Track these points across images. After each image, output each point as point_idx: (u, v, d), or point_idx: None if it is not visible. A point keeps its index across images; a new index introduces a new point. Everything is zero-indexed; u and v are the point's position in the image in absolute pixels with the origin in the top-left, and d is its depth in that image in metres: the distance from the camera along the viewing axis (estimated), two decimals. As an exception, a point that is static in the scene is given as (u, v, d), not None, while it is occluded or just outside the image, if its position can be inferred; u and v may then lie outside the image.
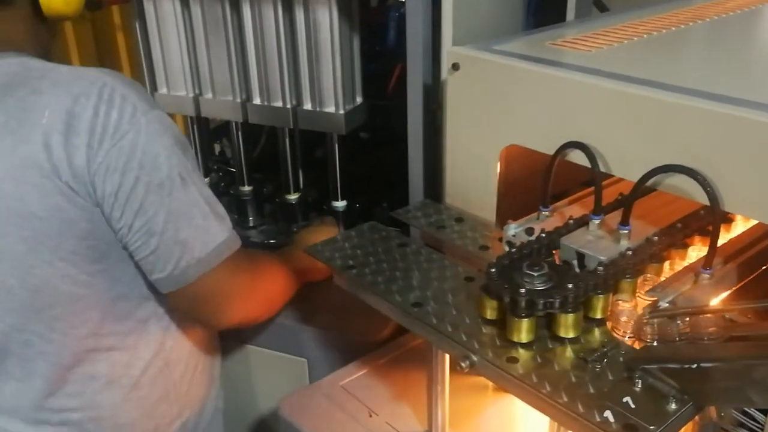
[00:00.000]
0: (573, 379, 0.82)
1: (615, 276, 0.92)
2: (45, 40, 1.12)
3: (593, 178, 0.98)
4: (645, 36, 1.20)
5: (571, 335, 0.88)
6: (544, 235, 0.98)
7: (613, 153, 0.98)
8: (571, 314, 0.87)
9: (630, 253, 0.93)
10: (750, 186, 0.85)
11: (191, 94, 1.64)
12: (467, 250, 1.09)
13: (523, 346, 0.87)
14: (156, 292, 1.10)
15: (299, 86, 1.52)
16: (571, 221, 1.01)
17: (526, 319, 0.86)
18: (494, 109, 1.10)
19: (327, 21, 1.43)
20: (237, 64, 1.56)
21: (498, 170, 1.13)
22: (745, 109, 0.85)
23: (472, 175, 1.17)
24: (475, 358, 0.87)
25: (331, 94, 1.49)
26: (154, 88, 1.68)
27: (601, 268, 0.90)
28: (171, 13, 1.57)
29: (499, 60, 1.09)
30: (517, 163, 1.14)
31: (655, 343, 0.87)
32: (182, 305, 1.12)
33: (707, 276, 0.92)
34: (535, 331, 0.87)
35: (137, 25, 1.66)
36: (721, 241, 1.04)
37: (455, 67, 1.14)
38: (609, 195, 1.13)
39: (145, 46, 1.67)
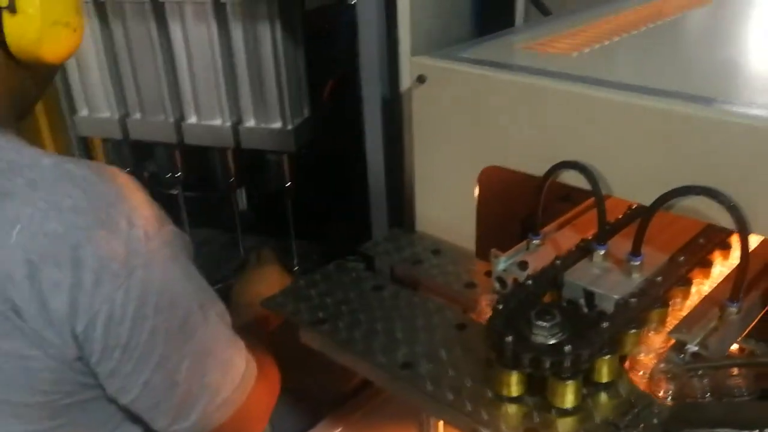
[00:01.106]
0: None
1: (622, 329, 0.77)
2: (29, 88, 0.82)
3: (596, 203, 0.83)
4: (624, 35, 1.05)
5: (569, 405, 0.72)
6: (542, 271, 0.83)
7: (616, 173, 0.82)
8: (570, 381, 0.72)
9: (634, 300, 0.78)
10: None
11: (116, 116, 1.42)
12: (451, 288, 0.93)
13: (538, 410, 0.72)
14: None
15: (239, 101, 1.33)
16: (572, 251, 0.86)
17: (516, 374, 0.71)
18: (470, 126, 0.94)
19: (267, 29, 1.25)
20: (168, 80, 1.35)
21: (476, 194, 0.97)
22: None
23: (447, 201, 1.00)
24: (486, 432, 0.71)
25: (277, 108, 1.31)
26: (72, 110, 1.46)
27: (606, 324, 0.75)
28: (87, 27, 1.35)
29: (474, 70, 0.92)
30: (497, 186, 0.98)
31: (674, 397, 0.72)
32: None
33: (735, 309, 0.78)
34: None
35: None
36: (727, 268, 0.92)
37: (421, 79, 0.97)
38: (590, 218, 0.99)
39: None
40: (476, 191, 0.97)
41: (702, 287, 0.88)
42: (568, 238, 0.94)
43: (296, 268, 1.46)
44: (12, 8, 0.72)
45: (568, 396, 0.71)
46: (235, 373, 0.82)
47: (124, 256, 0.69)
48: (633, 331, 0.78)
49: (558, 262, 0.84)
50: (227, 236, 1.59)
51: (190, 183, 1.50)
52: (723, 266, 0.91)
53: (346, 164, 1.44)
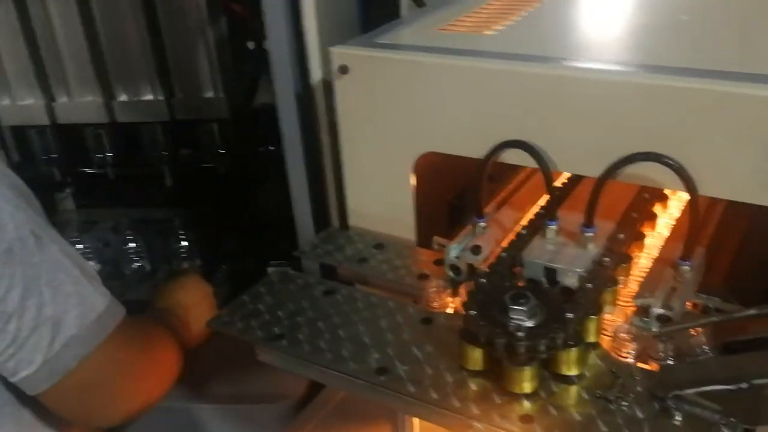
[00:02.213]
0: (604, 428, 0.65)
1: (601, 289, 0.76)
2: None
3: (545, 180, 0.80)
4: (529, 10, 1.04)
5: (575, 372, 0.71)
6: (504, 254, 0.80)
7: (558, 148, 0.80)
8: (575, 348, 0.70)
9: (608, 259, 0.78)
10: (723, 164, 0.73)
11: (42, 101, 1.35)
12: (404, 282, 0.88)
13: (528, 397, 0.69)
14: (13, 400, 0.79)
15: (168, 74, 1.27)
16: (523, 231, 0.84)
17: (528, 367, 0.68)
18: (401, 114, 0.89)
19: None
20: (92, 59, 1.30)
21: (413, 183, 0.93)
22: (703, 80, 0.72)
23: (382, 193, 0.95)
24: (481, 427, 0.67)
25: (208, 77, 1.28)
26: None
27: (590, 284, 0.74)
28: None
29: (402, 56, 0.87)
30: (428, 172, 0.94)
31: (669, 361, 0.72)
32: (61, 405, 0.80)
33: (688, 268, 0.79)
34: (538, 376, 0.69)
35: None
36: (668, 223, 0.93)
37: (343, 69, 0.91)
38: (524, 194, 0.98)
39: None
40: (413, 180, 0.92)
41: (652, 239, 0.89)
42: (509, 217, 0.92)
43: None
44: None
45: (527, 383, 0.69)
46: (86, 309, 0.76)
47: None
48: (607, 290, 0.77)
49: (513, 243, 0.82)
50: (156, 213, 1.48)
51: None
52: (664, 216, 0.92)
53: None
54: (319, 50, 1.02)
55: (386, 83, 0.89)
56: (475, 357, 0.71)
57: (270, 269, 1.16)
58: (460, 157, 0.87)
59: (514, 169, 1.04)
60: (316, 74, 1.03)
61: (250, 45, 1.42)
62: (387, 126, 0.91)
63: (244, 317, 0.83)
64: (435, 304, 0.84)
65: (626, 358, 0.73)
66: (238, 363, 0.96)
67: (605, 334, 0.76)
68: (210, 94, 1.31)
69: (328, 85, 1.01)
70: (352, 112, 0.93)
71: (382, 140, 0.92)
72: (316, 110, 1.05)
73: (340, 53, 0.91)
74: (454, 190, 1.08)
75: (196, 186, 1.42)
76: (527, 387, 0.69)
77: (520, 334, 0.67)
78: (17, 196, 0.76)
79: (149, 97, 1.32)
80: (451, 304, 0.83)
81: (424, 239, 0.96)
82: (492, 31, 0.95)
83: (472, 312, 0.70)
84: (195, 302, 1.01)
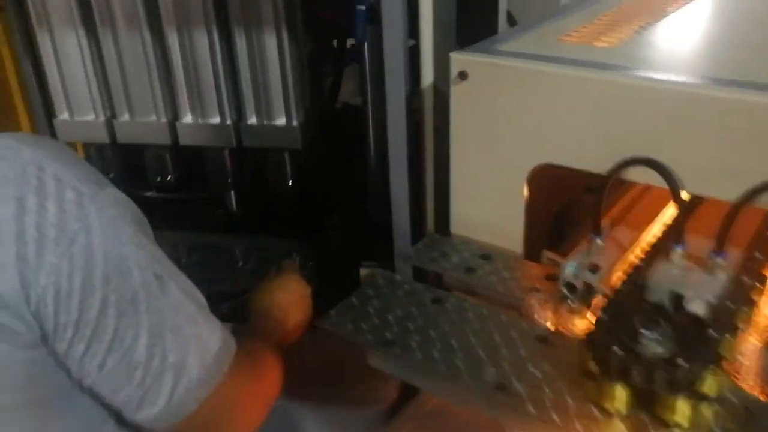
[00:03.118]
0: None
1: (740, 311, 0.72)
2: None
3: (676, 201, 0.76)
4: (651, 23, 0.99)
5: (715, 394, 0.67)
6: (629, 276, 0.77)
7: (688, 168, 0.77)
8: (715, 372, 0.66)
9: (746, 278, 0.74)
10: None
11: (102, 118, 1.27)
12: (514, 296, 0.85)
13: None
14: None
15: (240, 97, 1.21)
16: (648, 251, 0.80)
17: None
18: (520, 124, 0.86)
19: (271, 16, 1.12)
20: (160, 77, 1.21)
21: (525, 194, 0.90)
22: None
23: (491, 202, 0.92)
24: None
25: (281, 104, 1.19)
26: (51, 113, 1.30)
27: (728, 306, 0.70)
28: (68, 20, 1.20)
29: (526, 65, 0.84)
30: (546, 185, 0.91)
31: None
32: None
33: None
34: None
35: (19, 38, 1.27)
36: None
37: (462, 75, 0.88)
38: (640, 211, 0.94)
39: (34, 62, 1.29)
40: (525, 191, 0.89)
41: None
42: (626, 236, 0.89)
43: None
44: None
45: (683, 410, 0.65)
46: (206, 351, 0.72)
47: (60, 220, 0.61)
48: (728, 336, 0.72)
49: (640, 264, 0.78)
50: (217, 239, 1.45)
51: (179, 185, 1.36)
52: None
53: (346, 163, 1.35)
54: (433, 55, 0.99)
55: (506, 91, 0.86)
56: (617, 395, 0.67)
57: (368, 271, 1.15)
58: (568, 169, 0.84)
59: (620, 184, 1.00)
60: (426, 79, 1.01)
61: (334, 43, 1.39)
62: (503, 135, 0.88)
63: (354, 319, 0.82)
64: (548, 321, 0.81)
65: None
66: (330, 364, 0.94)
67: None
68: (282, 121, 1.21)
69: (437, 91, 0.99)
70: (467, 118, 0.90)
71: (497, 149, 0.89)
72: (422, 115, 1.03)
73: (460, 59, 0.88)
74: (558, 202, 1.05)
75: (260, 212, 1.35)
76: (680, 416, 0.65)
77: (663, 363, 0.64)
78: (137, 231, 0.69)
79: (216, 120, 1.22)
80: (570, 324, 0.80)
81: (532, 252, 0.93)
82: (614, 43, 0.91)
83: (601, 336, 0.67)
84: (293, 302, 0.99)
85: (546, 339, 0.78)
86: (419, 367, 0.75)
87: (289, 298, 0.98)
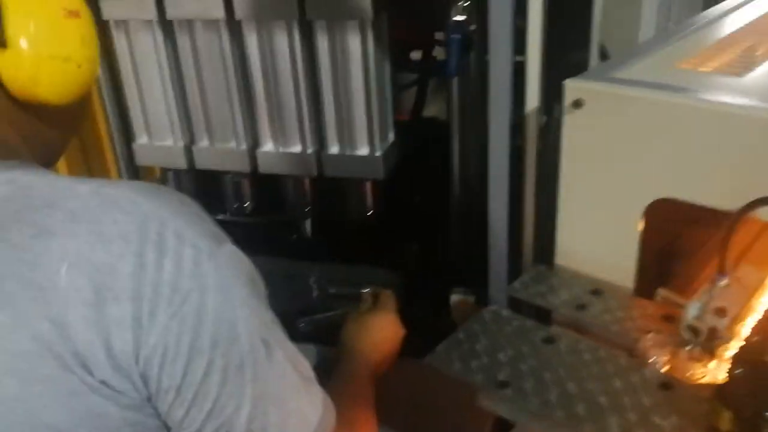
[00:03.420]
0: None
1: None
2: (43, 131, 0.68)
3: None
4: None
5: None
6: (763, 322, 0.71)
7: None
8: None
9: None
10: None
11: (181, 143, 1.26)
12: (630, 337, 0.80)
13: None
14: None
15: (322, 126, 1.18)
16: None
17: None
18: (639, 155, 0.81)
19: (357, 46, 1.10)
20: (241, 104, 1.19)
21: (641, 228, 0.85)
22: None
23: (602, 235, 0.88)
24: None
25: (364, 133, 1.16)
26: (130, 138, 1.29)
27: None
28: (150, 44, 1.19)
29: (648, 95, 0.80)
30: (654, 219, 0.86)
31: None
32: None
33: None
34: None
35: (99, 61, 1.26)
36: None
37: (577, 104, 0.84)
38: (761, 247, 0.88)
39: (114, 85, 1.28)
40: (640, 226, 0.85)
41: None
42: (750, 276, 0.83)
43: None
44: (2, 42, 0.60)
45: None
46: (306, 425, 0.66)
47: (175, 279, 0.57)
48: None
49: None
50: (288, 265, 1.43)
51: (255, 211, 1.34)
52: None
53: (429, 191, 1.32)
54: (539, 82, 0.96)
55: (624, 121, 0.82)
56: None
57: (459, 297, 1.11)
58: (678, 204, 0.80)
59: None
60: (531, 104, 0.97)
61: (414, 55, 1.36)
62: (620, 166, 0.84)
63: (462, 357, 0.78)
64: (666, 367, 0.76)
65: None
66: (417, 394, 0.90)
67: None
68: (365, 151, 1.17)
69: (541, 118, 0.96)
70: (580, 148, 0.86)
71: (612, 180, 0.85)
72: (525, 143, 0.99)
73: (575, 87, 0.84)
74: (663, 237, 1.00)
75: (338, 240, 1.31)
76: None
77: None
78: (250, 293, 0.63)
79: (297, 149, 1.20)
80: (691, 371, 0.75)
81: (644, 289, 0.88)
82: (738, 71, 0.86)
83: (739, 393, 0.62)
84: (391, 343, 0.92)
85: (670, 386, 0.72)
86: (536, 413, 0.70)
87: (388, 337, 0.92)
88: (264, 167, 1.22)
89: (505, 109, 0.95)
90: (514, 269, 1.04)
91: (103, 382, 0.56)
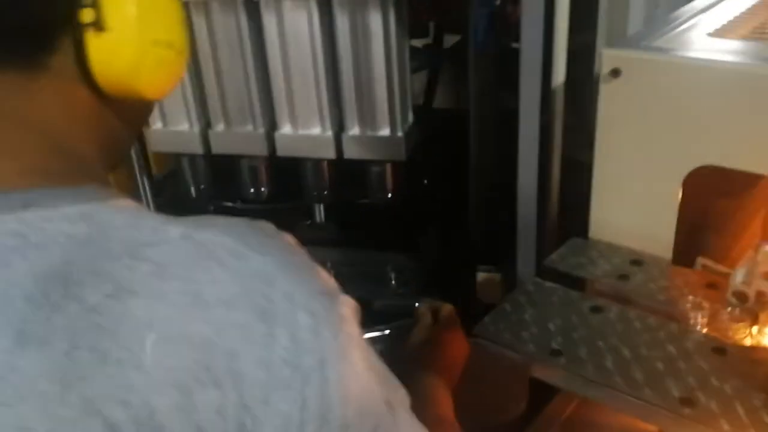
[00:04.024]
0: None
1: None
2: (118, 133, 0.58)
3: None
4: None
5: None
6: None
7: None
8: None
9: None
10: None
11: (197, 128, 1.24)
12: (676, 306, 0.80)
13: None
14: None
15: (342, 107, 1.17)
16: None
17: None
18: (679, 123, 0.81)
19: (379, 23, 1.09)
20: (258, 86, 1.18)
21: (679, 197, 0.85)
22: None
23: (640, 205, 0.88)
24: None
25: (386, 114, 1.15)
26: (142, 124, 1.27)
27: None
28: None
29: (690, 61, 0.80)
30: (701, 188, 0.86)
31: None
32: None
33: None
34: None
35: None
36: None
37: (615, 73, 0.84)
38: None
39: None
40: (680, 195, 0.85)
41: None
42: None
43: (393, 282, 1.31)
44: (99, 25, 0.50)
45: None
46: None
47: (292, 355, 0.44)
48: None
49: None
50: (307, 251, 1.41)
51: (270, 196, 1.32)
52: None
53: (447, 172, 1.31)
54: (566, 51, 0.96)
55: (664, 88, 0.82)
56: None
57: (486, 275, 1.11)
58: (716, 173, 0.80)
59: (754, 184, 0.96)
60: (558, 77, 0.97)
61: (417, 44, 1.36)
62: (658, 134, 0.83)
63: (511, 328, 0.77)
64: (714, 332, 0.76)
65: None
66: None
67: None
68: (386, 132, 1.16)
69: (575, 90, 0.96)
70: (617, 118, 0.86)
71: (649, 149, 0.85)
72: (553, 115, 0.99)
73: (613, 56, 0.84)
74: (702, 208, 1.00)
75: (356, 225, 1.30)
76: None
77: None
78: (367, 348, 0.51)
79: (317, 131, 1.18)
80: (739, 335, 0.75)
81: (681, 258, 0.88)
82: (771, 39, 0.86)
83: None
84: (461, 357, 0.86)
85: (723, 351, 0.72)
86: (593, 380, 0.70)
87: (462, 355, 0.86)
88: (282, 150, 1.21)
89: (536, 84, 0.95)
90: (542, 245, 1.05)
91: None
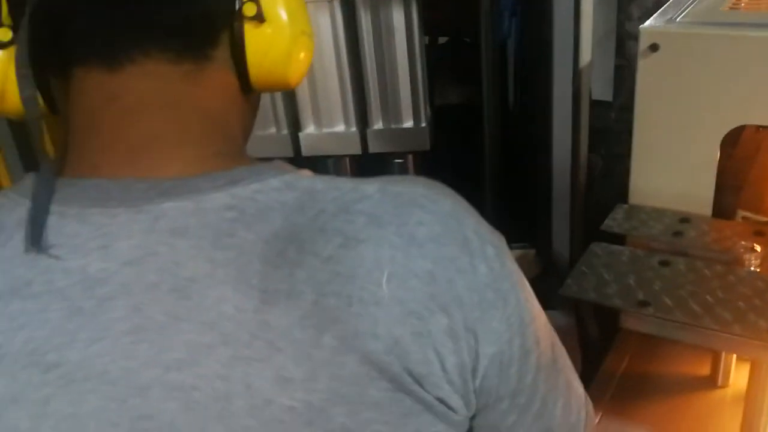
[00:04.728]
0: None
1: None
2: (250, 122, 0.61)
3: None
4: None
5: None
6: None
7: None
8: None
9: None
10: None
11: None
12: (732, 254, 0.88)
13: None
14: None
15: (366, 102, 1.20)
16: None
17: None
18: (716, 90, 0.90)
19: (401, 16, 1.13)
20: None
21: (717, 158, 0.93)
22: None
23: (679, 170, 0.96)
24: None
25: (409, 105, 1.20)
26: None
27: None
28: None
29: (724, 32, 0.89)
30: (736, 148, 0.95)
31: None
32: None
33: None
34: None
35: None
36: None
37: (653, 48, 0.92)
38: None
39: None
40: (717, 156, 0.93)
41: None
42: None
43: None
44: (260, 17, 0.54)
45: None
46: (582, 402, 0.64)
47: (492, 281, 0.51)
48: None
49: None
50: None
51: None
52: None
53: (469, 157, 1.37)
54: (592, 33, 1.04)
55: (700, 59, 0.90)
56: None
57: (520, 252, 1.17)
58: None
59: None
60: (585, 57, 1.05)
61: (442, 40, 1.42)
62: (696, 102, 0.92)
63: (593, 286, 0.83)
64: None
65: None
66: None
67: None
68: (410, 123, 1.20)
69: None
70: (656, 90, 0.94)
71: (688, 117, 0.93)
72: (579, 93, 1.07)
73: (651, 32, 0.92)
74: (738, 165, 1.08)
75: None
76: None
77: None
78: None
79: (341, 128, 1.21)
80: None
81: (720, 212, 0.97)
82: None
83: None
84: None
85: (791, 287, 0.81)
86: (685, 324, 0.77)
87: None
88: (307, 150, 1.23)
89: (568, 62, 1.02)
90: (575, 219, 1.12)
91: (439, 399, 0.50)
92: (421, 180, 0.54)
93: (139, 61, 0.50)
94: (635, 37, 0.95)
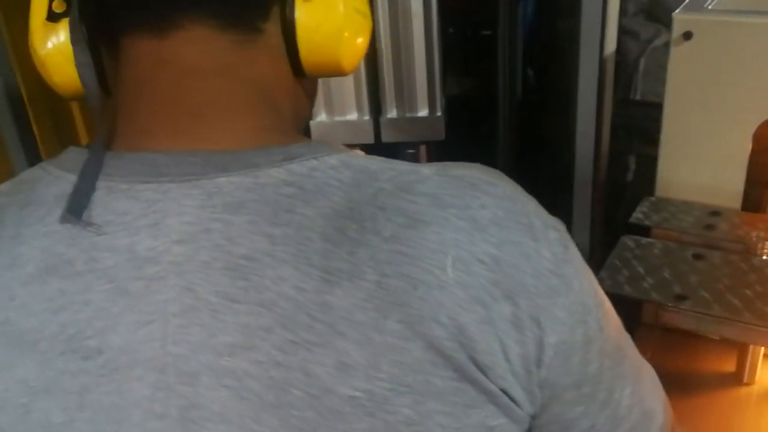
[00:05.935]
0: None
1: None
2: (302, 115, 0.58)
3: None
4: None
5: None
6: None
7: None
8: None
9: None
10: None
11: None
12: (764, 247, 0.87)
13: None
14: None
15: (380, 90, 1.18)
16: None
17: None
18: (749, 80, 0.88)
19: (419, 3, 1.11)
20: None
21: (749, 150, 0.92)
22: None
23: (709, 162, 0.94)
24: None
25: (425, 94, 1.18)
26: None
27: None
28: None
29: (756, 21, 0.87)
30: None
31: None
32: None
33: None
34: None
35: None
36: None
37: (687, 36, 0.90)
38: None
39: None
40: (749, 148, 0.92)
41: None
42: None
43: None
44: None
45: None
46: (657, 384, 0.60)
47: (556, 266, 0.49)
48: None
49: None
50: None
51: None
52: None
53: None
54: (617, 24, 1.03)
55: (737, 49, 0.88)
56: None
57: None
58: None
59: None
60: (610, 47, 1.03)
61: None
62: (729, 92, 0.90)
63: (628, 280, 0.81)
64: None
65: None
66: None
67: None
68: (425, 113, 1.19)
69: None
70: (688, 79, 0.92)
71: (720, 108, 0.91)
72: (603, 84, 1.05)
73: (684, 20, 0.90)
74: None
75: None
76: None
77: None
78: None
79: (353, 117, 1.20)
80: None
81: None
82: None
83: None
84: None
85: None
86: (725, 318, 0.75)
87: None
88: (319, 139, 1.21)
89: (594, 52, 1.00)
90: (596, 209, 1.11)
91: (503, 391, 0.47)
92: (477, 165, 0.52)
93: (189, 27, 0.47)
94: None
